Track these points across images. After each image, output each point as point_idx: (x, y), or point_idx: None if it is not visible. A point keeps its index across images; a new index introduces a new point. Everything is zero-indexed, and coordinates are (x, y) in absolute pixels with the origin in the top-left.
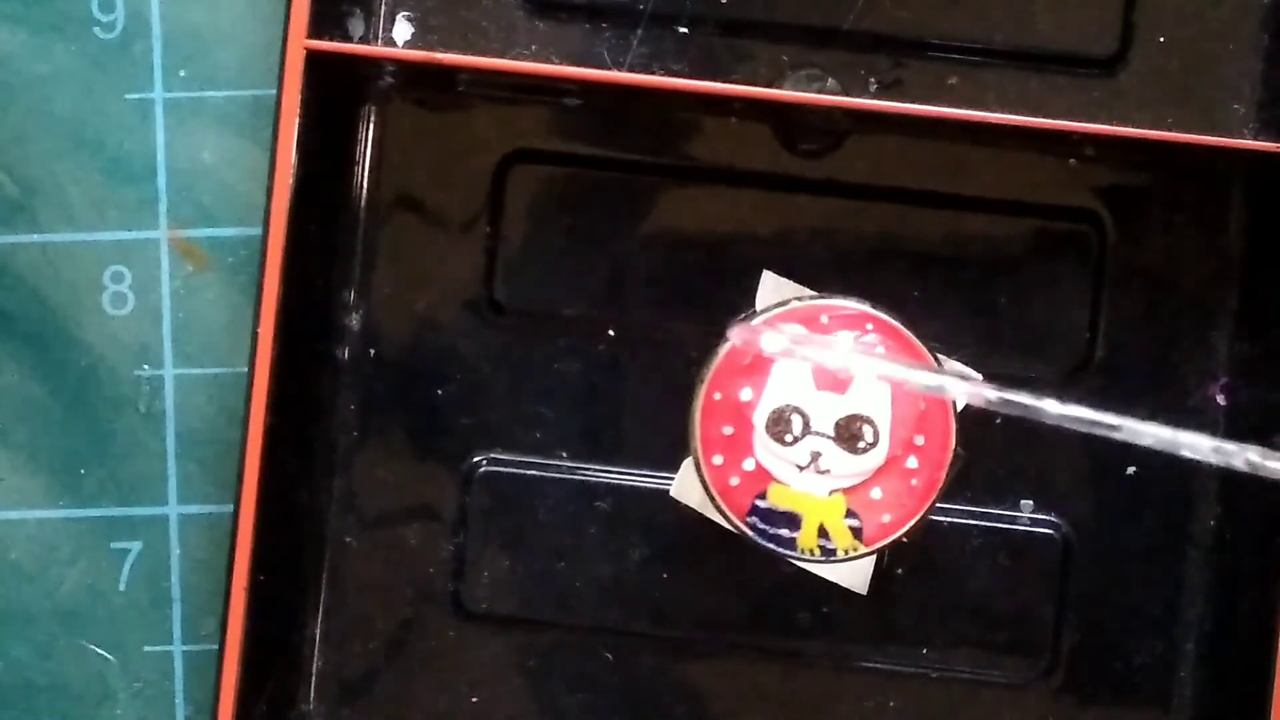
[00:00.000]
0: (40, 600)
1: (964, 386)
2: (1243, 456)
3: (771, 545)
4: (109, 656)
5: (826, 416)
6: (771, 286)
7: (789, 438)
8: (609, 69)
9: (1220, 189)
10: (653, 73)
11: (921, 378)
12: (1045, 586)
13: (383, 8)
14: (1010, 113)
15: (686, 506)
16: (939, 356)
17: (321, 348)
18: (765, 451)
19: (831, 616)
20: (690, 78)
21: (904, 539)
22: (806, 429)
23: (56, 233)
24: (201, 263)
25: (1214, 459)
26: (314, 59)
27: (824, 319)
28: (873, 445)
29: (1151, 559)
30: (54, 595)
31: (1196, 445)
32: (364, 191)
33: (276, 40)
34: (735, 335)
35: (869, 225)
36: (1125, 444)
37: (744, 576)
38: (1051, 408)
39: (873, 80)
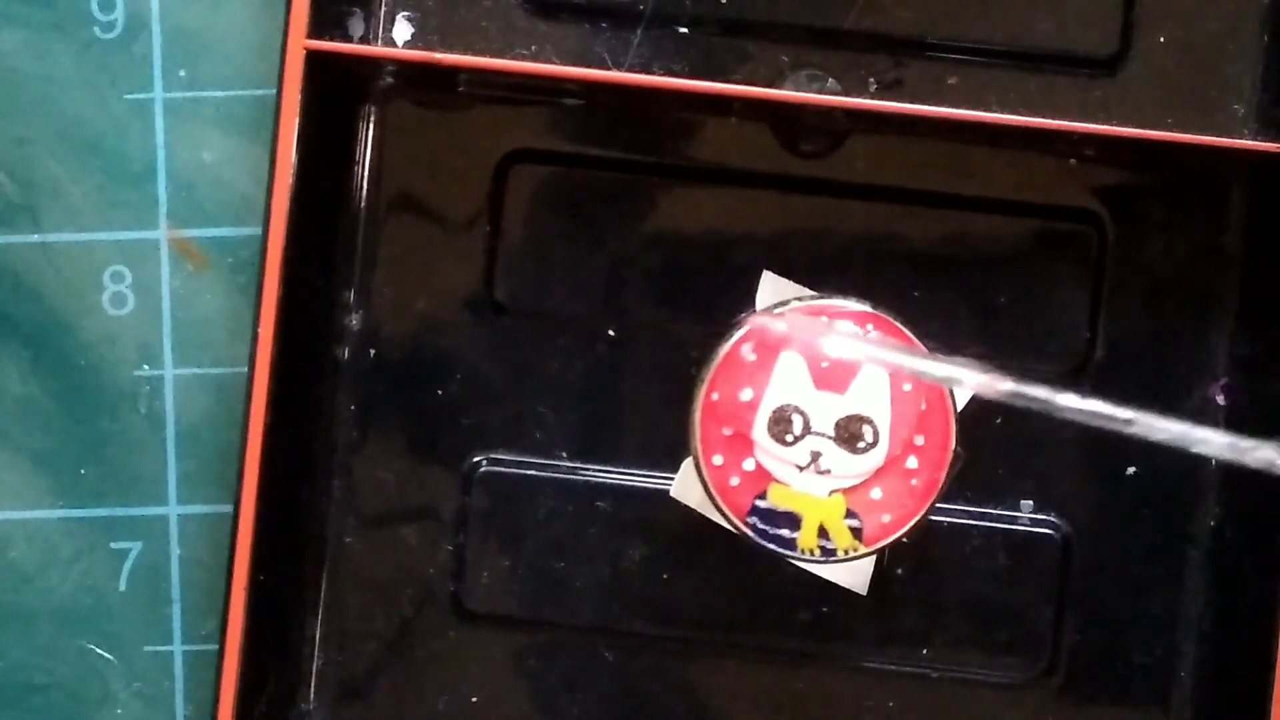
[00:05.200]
0: (40, 600)
1: (979, 378)
2: (1256, 454)
3: (771, 545)
4: (109, 656)
5: (826, 416)
6: (771, 286)
7: (789, 437)
8: (609, 69)
9: (1220, 189)
10: (653, 73)
11: (933, 368)
12: (1045, 586)
13: (383, 8)
14: (1010, 113)
15: (686, 506)
16: (939, 356)
17: (321, 348)
18: (765, 451)
19: (831, 616)
20: (690, 78)
21: (904, 539)
22: (807, 429)
23: (56, 233)
24: (201, 263)
25: (1228, 455)
26: (314, 59)
27: (824, 319)
28: (873, 445)
29: (1151, 559)
30: (54, 595)
31: (1210, 441)
32: (364, 191)
33: (276, 40)
34: (770, 325)
35: (869, 225)
36: (1126, 444)
37: (744, 576)
38: (1067, 401)
39: (873, 80)
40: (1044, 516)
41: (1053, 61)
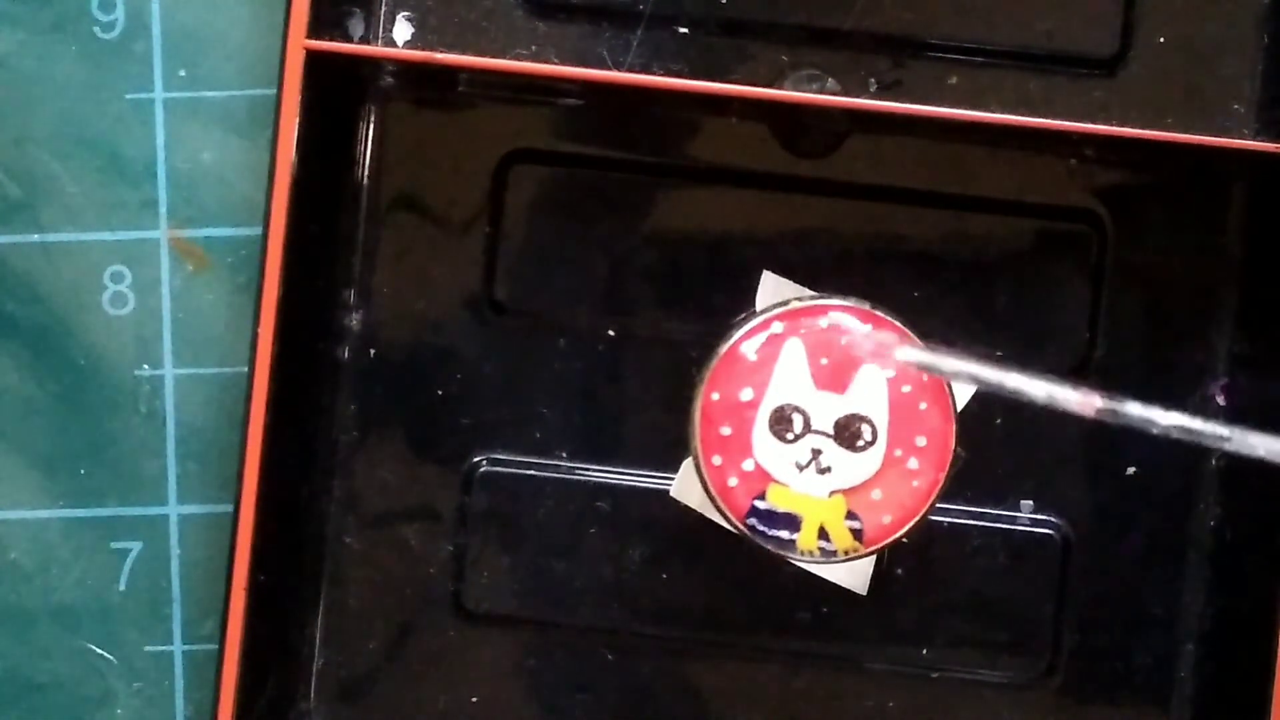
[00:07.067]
0: (40, 600)
1: (1076, 397)
2: None
3: (771, 546)
4: (109, 656)
5: (826, 416)
6: (771, 286)
7: (789, 436)
8: (609, 69)
9: (1220, 189)
10: (653, 73)
11: (1036, 389)
12: (1045, 586)
13: (383, 8)
14: (1010, 113)
15: (686, 506)
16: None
17: (321, 348)
18: (765, 450)
19: (831, 616)
20: (690, 78)
21: (904, 539)
22: (807, 428)
23: (56, 233)
24: (201, 263)
25: None
26: (314, 59)
27: (824, 320)
28: (871, 444)
29: (1151, 559)
30: (54, 595)
31: None
32: (364, 191)
33: (276, 40)
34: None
35: (869, 225)
36: (1126, 444)
37: (744, 576)
38: (1161, 419)
39: (873, 80)
40: (1044, 516)
41: (1053, 61)
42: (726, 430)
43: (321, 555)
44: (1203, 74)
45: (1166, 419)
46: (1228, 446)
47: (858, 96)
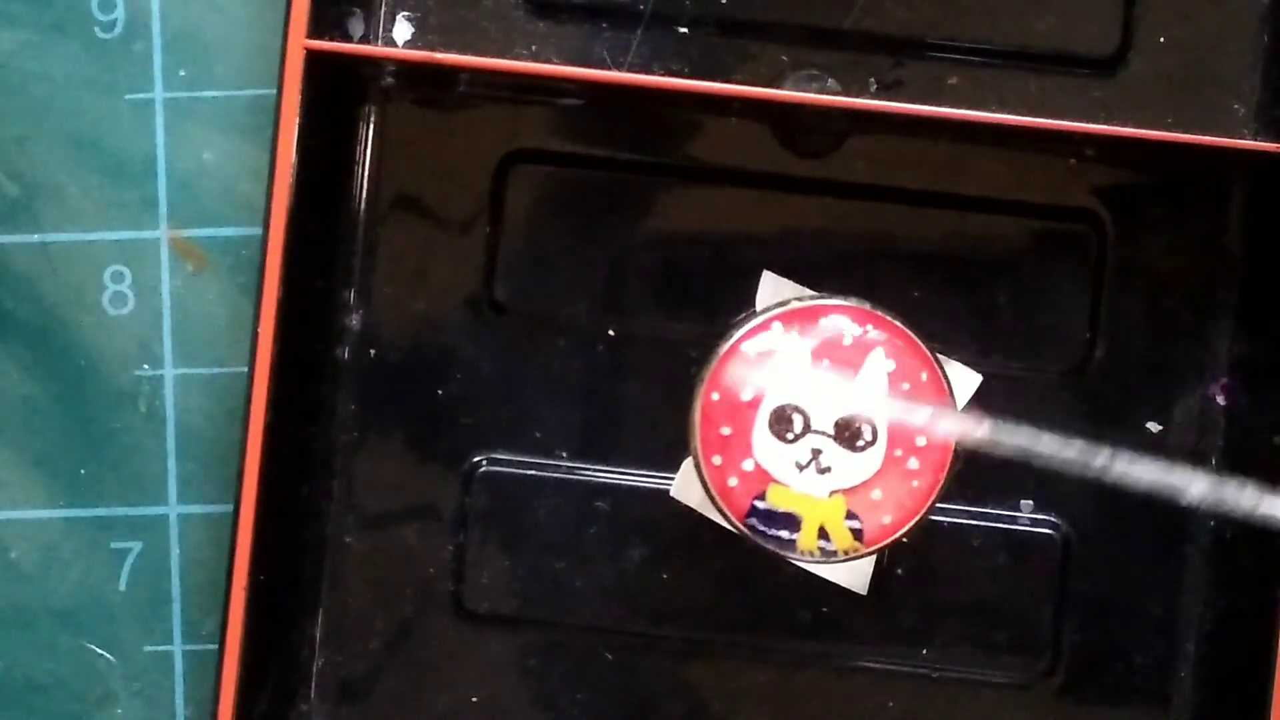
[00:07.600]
0: (40, 600)
1: (1054, 446)
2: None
3: (771, 546)
4: (109, 656)
5: (826, 416)
6: (771, 286)
7: (790, 435)
8: (609, 69)
9: (1220, 189)
10: (653, 73)
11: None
12: (1045, 586)
13: (383, 8)
14: (1010, 113)
15: (686, 506)
16: (939, 357)
17: (321, 348)
18: (765, 450)
19: (831, 616)
20: (690, 78)
21: (904, 539)
22: (807, 427)
23: (56, 233)
24: (201, 263)
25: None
26: (314, 59)
27: (824, 319)
28: (871, 444)
29: (1151, 559)
30: (54, 595)
31: (1191, 489)
32: (364, 191)
33: (276, 40)
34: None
35: (869, 225)
36: (1125, 444)
37: (744, 576)
38: (1044, 447)
39: (873, 80)
40: (1044, 516)
41: (1053, 61)
42: (726, 430)
43: (321, 555)
44: (1203, 74)
45: (1045, 447)
46: (1116, 474)
47: (858, 96)
